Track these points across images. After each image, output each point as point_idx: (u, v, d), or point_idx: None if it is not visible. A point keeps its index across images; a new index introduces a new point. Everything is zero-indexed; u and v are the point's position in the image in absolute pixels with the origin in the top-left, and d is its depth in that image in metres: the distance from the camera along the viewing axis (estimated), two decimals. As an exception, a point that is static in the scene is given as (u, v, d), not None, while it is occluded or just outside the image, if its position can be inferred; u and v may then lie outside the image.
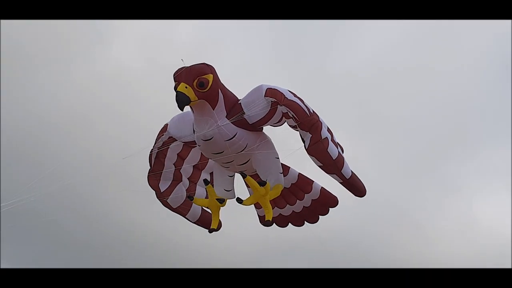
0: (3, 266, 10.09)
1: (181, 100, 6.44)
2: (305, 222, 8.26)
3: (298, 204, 8.09)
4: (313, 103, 6.80)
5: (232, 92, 7.09)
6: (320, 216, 8.21)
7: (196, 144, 7.19)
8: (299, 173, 7.94)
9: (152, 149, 7.72)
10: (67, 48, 19.02)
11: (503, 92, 20.78)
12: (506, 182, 20.23)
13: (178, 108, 6.58)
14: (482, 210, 21.49)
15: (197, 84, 6.54)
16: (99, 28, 18.90)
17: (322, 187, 7.96)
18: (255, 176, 7.13)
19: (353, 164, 7.05)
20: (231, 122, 6.75)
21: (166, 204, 7.90)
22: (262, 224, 7.85)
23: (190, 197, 7.49)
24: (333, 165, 6.73)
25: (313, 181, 7.97)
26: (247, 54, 20.94)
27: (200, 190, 8.04)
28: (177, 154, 7.82)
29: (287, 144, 7.16)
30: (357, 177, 7.04)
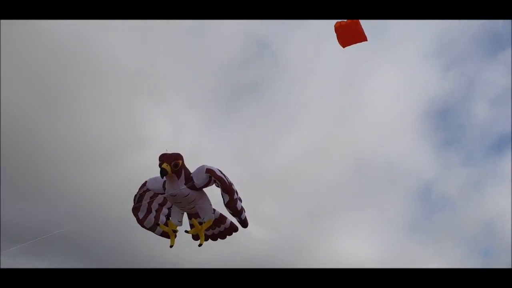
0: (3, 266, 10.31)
1: (163, 173, 11.51)
2: (219, 238, 13.46)
3: (217, 229, 13.29)
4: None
5: (191, 165, 12.15)
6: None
7: (161, 193, 12.44)
8: (220, 213, 13.14)
9: (135, 194, 12.84)
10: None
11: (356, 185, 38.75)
12: (361, 229, 38.95)
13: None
14: (344, 245, 38.17)
15: (173, 164, 11.63)
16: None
17: (231, 221, 13.22)
18: (196, 215, 12.54)
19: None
20: (186, 187, 11.89)
21: (142, 225, 12.94)
22: (198, 246, 12.61)
23: (158, 224, 12.88)
24: (237, 213, 12.19)
25: (227, 218, 13.22)
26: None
27: (162, 218, 13.12)
28: (150, 197, 12.81)
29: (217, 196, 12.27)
30: (246, 219, 12.47)
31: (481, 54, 46.78)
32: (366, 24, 18.52)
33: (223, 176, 11.93)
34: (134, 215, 12.95)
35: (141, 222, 12.89)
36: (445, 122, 45.65)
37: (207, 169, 12.00)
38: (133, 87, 36.47)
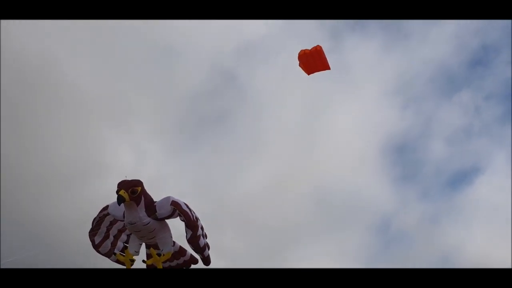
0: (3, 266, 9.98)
1: (120, 200, 11.19)
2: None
3: (175, 261, 12.85)
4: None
5: (150, 195, 11.82)
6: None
7: (121, 220, 12.12)
8: (180, 245, 12.76)
9: (95, 217, 12.53)
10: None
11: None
12: (320, 262, 35.95)
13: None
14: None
15: (130, 191, 11.30)
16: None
17: (191, 254, 12.81)
18: (155, 246, 12.15)
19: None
20: (147, 215, 11.55)
21: (98, 251, 12.56)
22: None
23: (115, 253, 12.53)
24: (199, 250, 11.94)
25: (187, 250, 12.80)
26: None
27: (119, 244, 12.80)
28: (110, 221, 12.56)
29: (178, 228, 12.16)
30: (209, 256, 12.27)
31: (437, 94, 48.94)
32: (329, 60, 19.34)
33: (188, 211, 11.65)
34: (90, 239, 12.58)
35: (96, 247, 12.52)
36: (403, 158, 47.36)
37: (172, 201, 11.71)
38: (96, 114, 36.09)
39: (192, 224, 11.64)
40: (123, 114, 37.32)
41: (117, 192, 11.23)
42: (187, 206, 11.76)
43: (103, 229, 12.60)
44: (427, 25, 44.70)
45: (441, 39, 45.65)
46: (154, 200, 11.95)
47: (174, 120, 40.30)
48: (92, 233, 12.56)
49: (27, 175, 31.71)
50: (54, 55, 34.18)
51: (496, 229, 39.75)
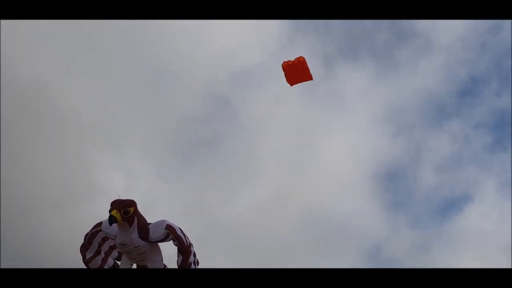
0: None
1: (112, 220, 11.16)
2: None
3: None
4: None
5: (144, 216, 11.84)
6: None
7: (113, 238, 12.10)
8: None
9: (87, 233, 12.53)
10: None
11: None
12: None
13: None
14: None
15: (123, 212, 11.24)
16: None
17: None
18: (145, 268, 12.02)
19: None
20: (139, 237, 11.56)
21: (87, 265, 12.57)
22: None
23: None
24: None
25: None
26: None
27: (110, 260, 12.95)
28: (102, 237, 12.57)
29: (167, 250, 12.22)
30: None
31: (427, 123, 49.62)
32: (322, 88, 19.61)
33: (182, 236, 11.64)
34: (81, 253, 12.61)
35: (87, 262, 12.53)
36: (393, 185, 47.64)
37: (167, 225, 11.66)
38: (88, 136, 36.09)
39: (185, 250, 11.63)
40: (115, 137, 37.36)
41: (110, 211, 11.19)
42: (182, 231, 11.76)
43: (94, 245, 12.63)
44: (417, 55, 45.73)
45: (431, 69, 46.70)
46: (148, 222, 11.96)
47: (165, 144, 40.39)
48: (84, 248, 12.60)
49: (18, 198, 31.45)
50: (47, 77, 34.28)
51: (485, 256, 39.84)
